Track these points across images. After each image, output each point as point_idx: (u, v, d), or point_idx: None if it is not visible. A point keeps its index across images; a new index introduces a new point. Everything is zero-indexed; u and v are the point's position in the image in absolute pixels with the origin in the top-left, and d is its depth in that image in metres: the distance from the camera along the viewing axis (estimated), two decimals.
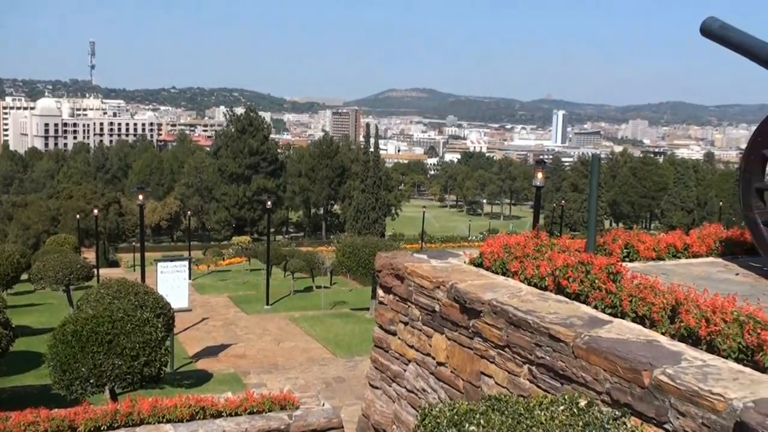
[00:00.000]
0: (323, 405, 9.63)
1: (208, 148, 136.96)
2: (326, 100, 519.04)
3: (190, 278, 26.59)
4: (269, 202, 34.89)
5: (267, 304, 29.51)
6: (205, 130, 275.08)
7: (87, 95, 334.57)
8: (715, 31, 9.84)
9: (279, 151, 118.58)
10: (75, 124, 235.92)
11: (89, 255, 46.97)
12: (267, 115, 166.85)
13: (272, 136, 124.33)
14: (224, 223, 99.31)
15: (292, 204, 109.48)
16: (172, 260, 21.66)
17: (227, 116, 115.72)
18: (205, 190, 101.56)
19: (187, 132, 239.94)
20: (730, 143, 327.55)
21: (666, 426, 4.64)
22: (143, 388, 12.10)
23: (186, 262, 22.63)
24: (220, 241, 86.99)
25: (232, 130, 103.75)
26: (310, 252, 44.52)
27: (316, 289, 33.75)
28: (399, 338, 8.51)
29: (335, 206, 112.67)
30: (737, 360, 4.96)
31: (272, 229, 75.43)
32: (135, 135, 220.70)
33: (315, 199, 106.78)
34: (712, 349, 5.17)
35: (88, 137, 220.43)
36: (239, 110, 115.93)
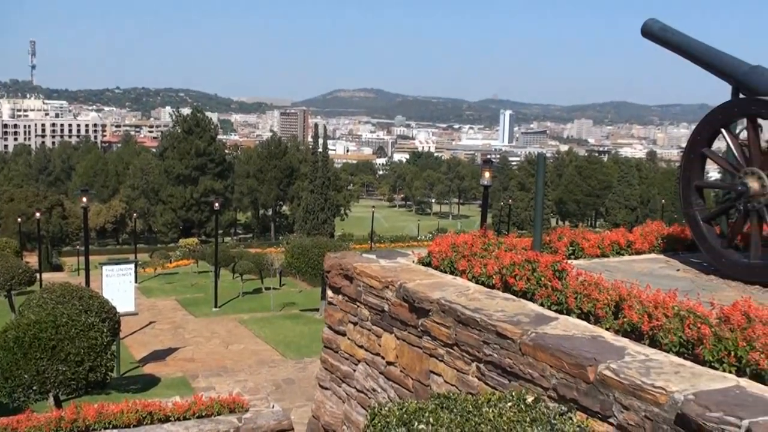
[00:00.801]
0: (273, 407, 9.59)
1: (153, 150, 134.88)
2: (274, 101, 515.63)
3: (136, 281, 26.16)
4: (217, 204, 34.49)
5: (215, 306, 29.26)
6: (150, 131, 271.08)
7: (28, 96, 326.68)
8: (655, 33, 10.07)
9: (227, 152, 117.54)
10: (15, 126, 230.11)
11: (31, 259, 45.96)
12: (214, 116, 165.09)
13: (220, 136, 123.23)
14: (171, 225, 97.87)
15: (240, 205, 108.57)
16: (117, 263, 21.32)
17: (173, 117, 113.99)
18: (152, 192, 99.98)
19: (133, 133, 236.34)
20: (672, 142, 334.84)
21: (611, 420, 4.73)
22: (88, 394, 11.89)
23: (132, 266, 22.27)
24: (167, 244, 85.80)
25: (179, 131, 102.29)
26: (259, 253, 44.24)
27: (265, 290, 33.59)
28: (348, 338, 8.51)
29: (284, 207, 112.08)
30: (678, 354, 5.08)
31: (220, 231, 74.73)
32: (78, 136, 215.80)
33: (263, 200, 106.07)
34: (654, 343, 5.28)
35: (30, 138, 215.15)
36: (186, 111, 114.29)
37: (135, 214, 79.25)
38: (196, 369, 18.95)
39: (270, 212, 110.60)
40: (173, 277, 44.57)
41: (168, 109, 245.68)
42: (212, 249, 37.65)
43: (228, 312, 28.28)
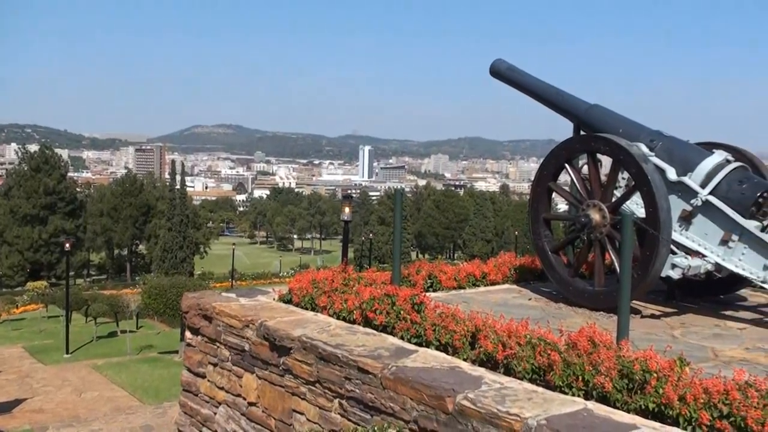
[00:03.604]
0: None
1: None
2: (129, 137, 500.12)
3: None
4: (68, 244, 32.91)
5: (67, 352, 27.80)
6: None
7: None
8: (503, 72, 10.56)
9: (78, 189, 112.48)
10: None
11: None
12: (64, 153, 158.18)
13: (71, 174, 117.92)
14: (18, 268, 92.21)
15: (93, 245, 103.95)
16: None
17: (19, 154, 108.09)
18: None
19: None
20: (523, 176, 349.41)
21: None
22: None
23: None
24: (13, 288, 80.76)
25: (26, 169, 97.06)
26: (114, 295, 42.57)
27: (121, 333, 32.30)
28: (209, 380, 8.30)
29: (140, 246, 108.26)
30: (531, 380, 5.28)
31: (72, 273, 71.28)
32: None
33: (118, 240, 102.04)
34: (509, 371, 5.46)
35: None
36: (33, 147, 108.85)
37: None
38: (45, 420, 17.88)
39: (125, 252, 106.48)
40: (20, 323, 42.00)
41: (13, 145, 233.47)
42: (63, 292, 35.90)
43: (81, 358, 26.90)
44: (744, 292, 9.55)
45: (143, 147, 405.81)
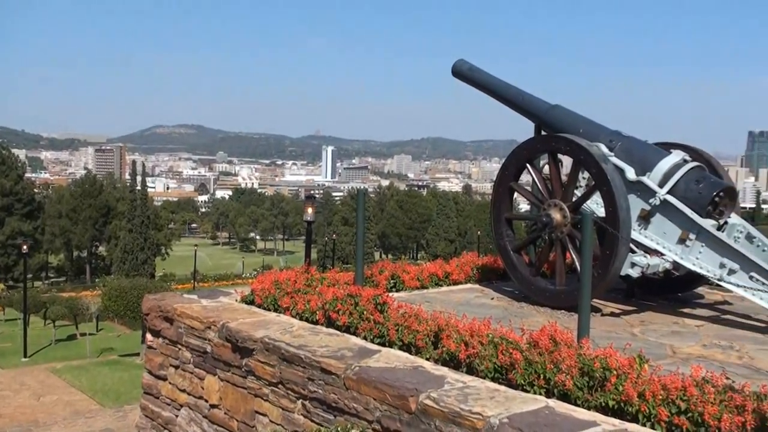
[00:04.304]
0: None
1: None
2: (88, 137, 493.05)
3: None
4: (25, 246, 32.51)
5: (25, 356, 27.39)
6: None
7: None
8: (464, 73, 10.61)
9: (36, 191, 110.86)
10: None
11: None
12: (21, 153, 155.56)
13: (28, 175, 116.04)
14: None
15: (52, 247, 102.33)
16: None
17: None
18: None
19: None
20: (485, 176, 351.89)
21: None
22: None
23: None
24: None
25: None
26: (74, 297, 42.05)
27: (81, 336, 31.92)
28: (170, 383, 8.21)
29: (100, 248, 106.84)
30: (493, 379, 5.31)
31: (30, 275, 70.05)
32: None
33: (78, 241, 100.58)
34: (471, 370, 5.49)
35: None
36: None
37: None
38: (2, 425, 17.55)
39: (85, 254, 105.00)
40: None
41: None
42: (21, 294, 35.31)
43: (39, 361, 26.50)
44: (701, 289, 9.72)
45: (103, 147, 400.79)
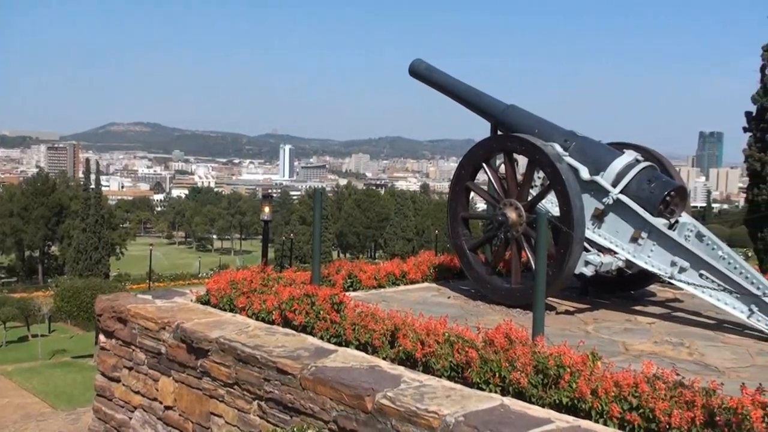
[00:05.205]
0: None
1: None
2: (40, 134, 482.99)
3: None
4: None
5: None
6: None
7: None
8: (422, 72, 10.65)
9: None
10: None
11: None
12: None
13: None
14: None
15: (2, 246, 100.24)
16: None
17: None
18: None
19: None
20: (443, 175, 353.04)
21: None
22: None
23: None
24: None
25: None
26: (25, 298, 41.19)
27: (33, 338, 31.34)
28: (124, 385, 8.10)
29: (53, 247, 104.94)
30: (449, 378, 5.34)
31: None
32: None
33: (29, 241, 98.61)
34: (428, 369, 5.51)
35: None
36: None
37: None
38: None
39: (37, 253, 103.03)
40: None
41: None
42: None
43: None
44: (653, 287, 9.88)
45: (56, 145, 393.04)
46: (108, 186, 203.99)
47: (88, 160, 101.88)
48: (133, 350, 7.89)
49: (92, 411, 8.95)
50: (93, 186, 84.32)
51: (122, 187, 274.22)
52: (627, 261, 8.30)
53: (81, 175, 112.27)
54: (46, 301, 33.76)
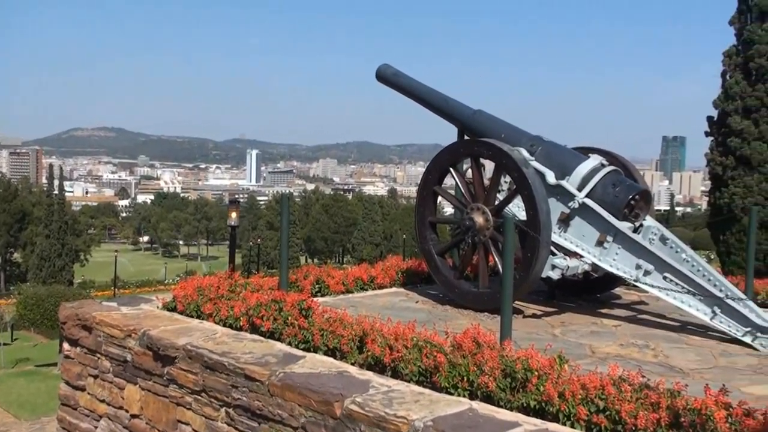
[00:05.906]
0: None
1: None
2: (2, 139, 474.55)
3: None
4: None
5: None
6: None
7: None
8: (388, 77, 10.67)
9: None
10: None
11: None
12: None
13: None
14: None
15: None
16: None
17: None
18: None
19: None
20: (410, 180, 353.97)
21: None
22: None
23: None
24: None
25: None
26: None
27: None
28: (89, 393, 7.99)
29: (15, 254, 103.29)
30: (418, 382, 5.34)
31: None
32: None
33: None
34: (396, 374, 5.51)
35: None
36: None
37: None
38: None
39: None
40: None
41: None
42: None
43: None
44: (619, 290, 10.00)
45: (18, 150, 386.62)
46: (72, 192, 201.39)
47: (51, 166, 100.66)
48: (99, 358, 7.78)
49: (56, 421, 8.81)
50: (56, 192, 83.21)
51: (87, 192, 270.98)
52: (593, 264, 8.39)
53: (44, 180, 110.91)
54: (8, 309, 33.25)
